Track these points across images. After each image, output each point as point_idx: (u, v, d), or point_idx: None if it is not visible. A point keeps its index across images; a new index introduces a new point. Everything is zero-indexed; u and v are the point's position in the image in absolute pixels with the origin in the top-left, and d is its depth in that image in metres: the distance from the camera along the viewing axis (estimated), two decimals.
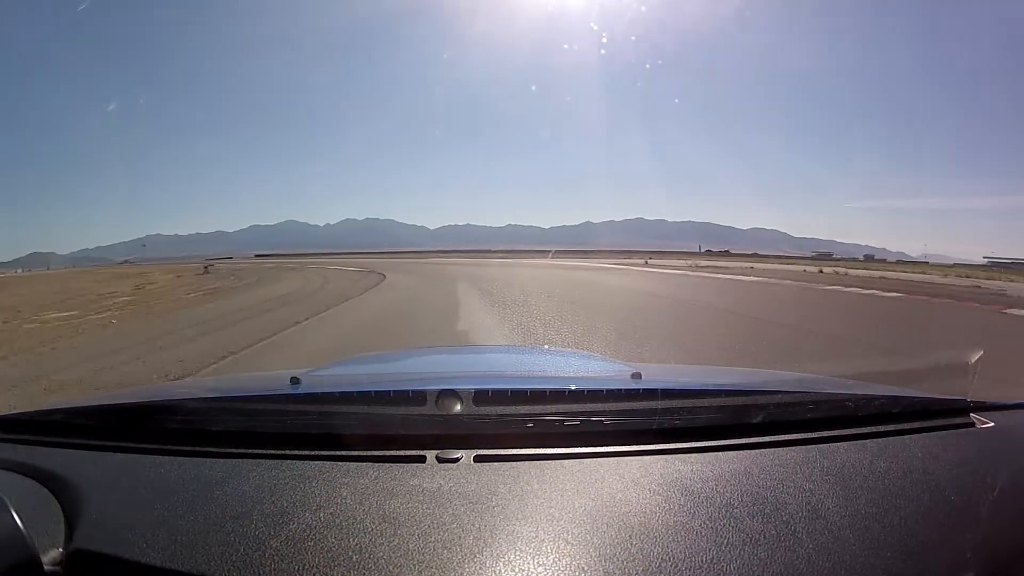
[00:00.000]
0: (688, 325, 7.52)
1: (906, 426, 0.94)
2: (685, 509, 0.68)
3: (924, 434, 0.92)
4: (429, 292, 13.49)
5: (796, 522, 0.65)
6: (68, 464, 0.82)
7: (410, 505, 0.69)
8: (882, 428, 0.92)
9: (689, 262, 36.30)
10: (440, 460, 0.80)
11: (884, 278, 19.57)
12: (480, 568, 0.58)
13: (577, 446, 0.84)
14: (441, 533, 0.63)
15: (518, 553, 0.60)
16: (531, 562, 0.59)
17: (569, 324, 7.16)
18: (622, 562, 0.59)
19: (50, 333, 8.61)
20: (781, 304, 10.79)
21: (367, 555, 0.60)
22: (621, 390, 1.05)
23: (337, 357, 2.33)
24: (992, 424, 0.96)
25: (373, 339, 6.89)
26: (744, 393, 1.05)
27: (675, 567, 0.58)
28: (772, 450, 0.84)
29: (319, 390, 1.11)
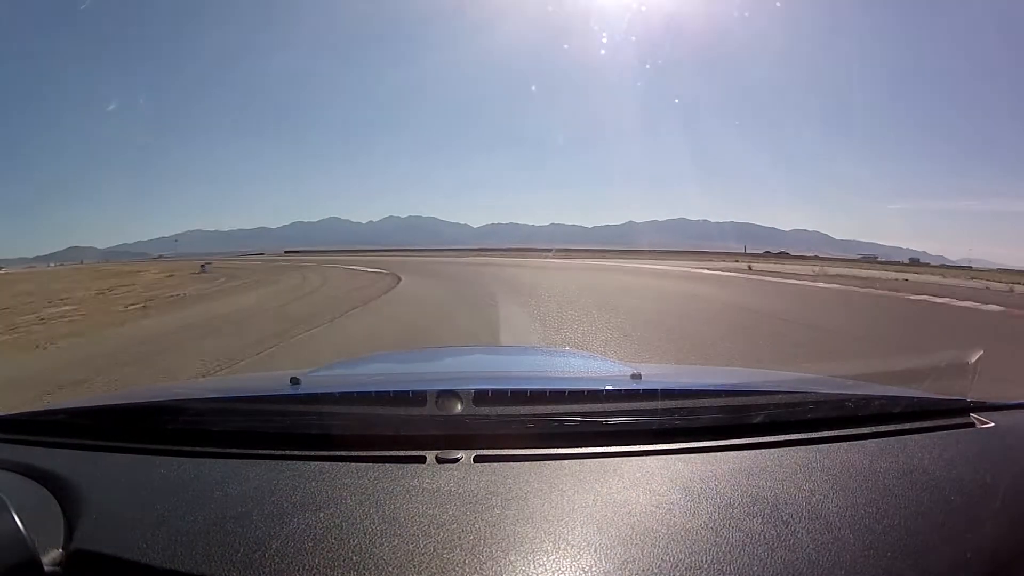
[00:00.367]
0: None
1: (906, 426, 0.94)
2: (685, 509, 0.68)
3: (924, 434, 0.92)
4: (448, 313, 9.41)
5: (796, 522, 0.65)
6: (68, 464, 0.82)
7: (410, 505, 0.69)
8: (882, 428, 0.92)
9: (778, 266, 32.43)
10: (440, 460, 0.80)
11: (989, 288, 16.17)
12: (480, 568, 0.58)
13: (577, 446, 0.84)
14: (441, 533, 0.63)
15: (518, 553, 0.60)
16: (531, 562, 0.59)
17: None
18: (622, 562, 0.59)
19: None
20: None
21: (367, 555, 0.60)
22: (621, 390, 1.05)
23: None
24: (992, 424, 0.96)
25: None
26: (744, 393, 1.05)
27: (675, 567, 0.58)
28: (772, 450, 0.84)
29: (319, 390, 1.12)
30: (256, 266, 37.89)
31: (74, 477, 0.77)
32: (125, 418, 1.02)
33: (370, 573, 0.57)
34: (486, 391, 0.94)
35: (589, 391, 1.02)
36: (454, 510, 0.67)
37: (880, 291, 14.30)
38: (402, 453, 0.83)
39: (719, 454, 0.82)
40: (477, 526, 0.64)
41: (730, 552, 0.60)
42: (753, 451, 0.83)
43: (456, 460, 0.80)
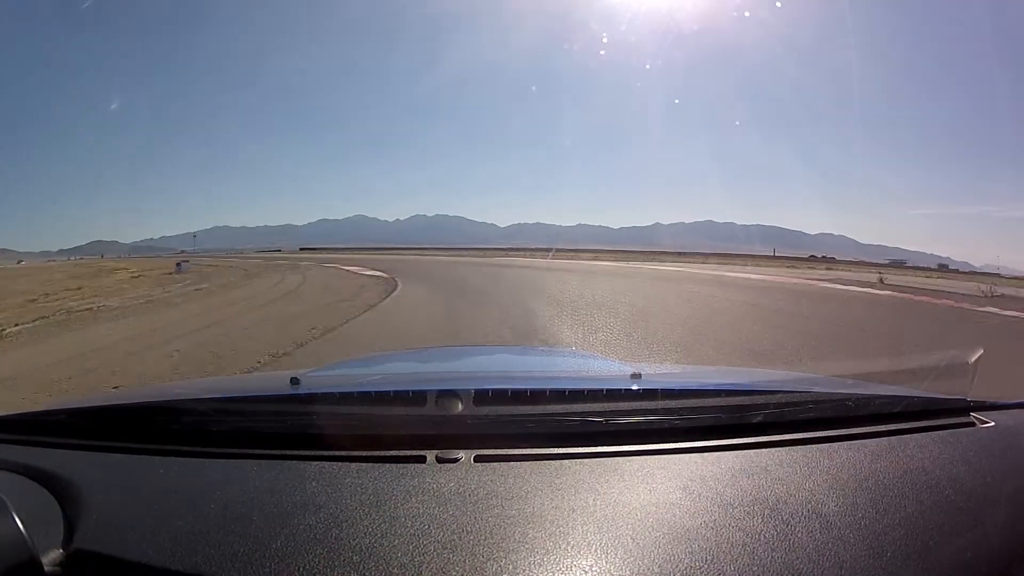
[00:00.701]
0: None
1: (906, 426, 0.94)
2: (685, 509, 0.68)
3: (924, 434, 0.92)
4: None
5: (796, 522, 0.65)
6: (68, 464, 0.82)
7: (410, 505, 0.69)
8: (882, 428, 0.92)
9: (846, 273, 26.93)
10: (440, 460, 0.80)
11: None
12: (480, 568, 0.58)
13: (577, 446, 0.84)
14: (441, 533, 0.63)
15: (518, 553, 0.60)
16: (532, 562, 0.59)
17: None
18: (623, 562, 0.59)
19: None
20: None
21: (368, 555, 0.60)
22: (621, 390, 1.05)
23: None
24: (992, 424, 0.96)
25: None
26: (744, 393, 1.05)
27: (675, 567, 0.58)
28: (772, 450, 0.84)
29: (319, 390, 1.12)
30: (244, 265, 34.12)
31: (74, 477, 0.77)
32: (125, 418, 1.02)
33: (370, 573, 0.57)
34: (486, 391, 0.94)
35: (589, 391, 1.02)
36: (454, 510, 0.67)
37: None
38: (402, 453, 0.83)
39: (719, 454, 0.82)
40: (477, 526, 0.64)
41: (730, 552, 0.60)
42: (753, 451, 0.83)
43: (456, 460, 0.80)
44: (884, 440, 0.88)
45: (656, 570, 0.58)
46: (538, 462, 0.80)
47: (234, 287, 16.87)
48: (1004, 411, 1.02)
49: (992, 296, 14.04)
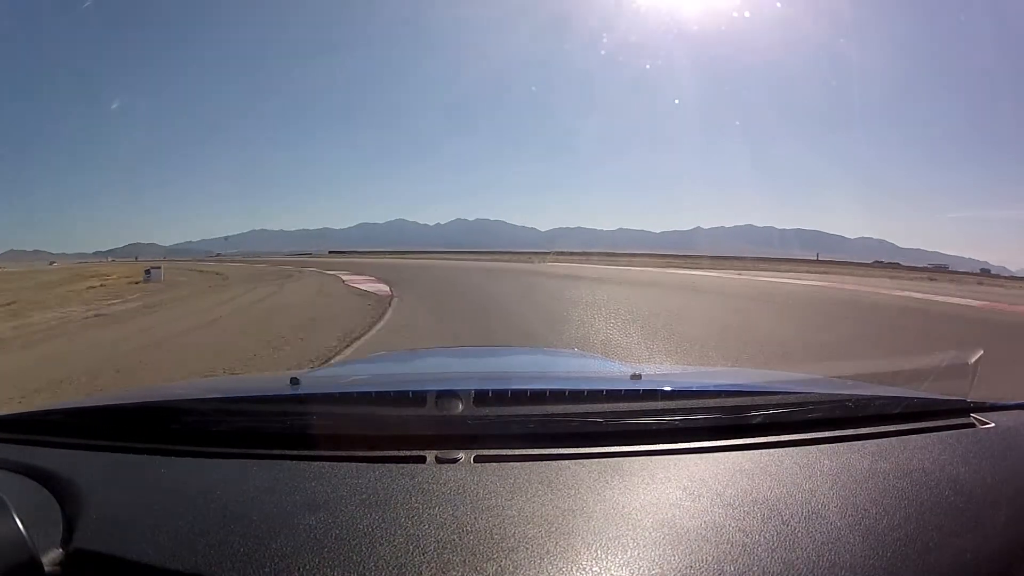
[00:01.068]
0: None
1: (906, 427, 0.94)
2: (685, 509, 0.68)
3: (924, 435, 0.92)
4: None
5: (796, 522, 0.65)
6: (68, 464, 0.82)
7: (410, 505, 0.69)
8: (882, 429, 0.92)
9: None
10: (440, 460, 0.80)
11: None
12: (480, 568, 0.58)
13: (577, 447, 0.84)
14: (441, 533, 0.63)
15: (518, 553, 0.60)
16: (531, 562, 0.59)
17: None
18: (622, 562, 0.59)
19: None
20: None
21: (368, 555, 0.60)
22: (621, 391, 1.05)
23: None
24: (992, 424, 0.96)
25: None
26: (744, 393, 1.05)
27: (675, 567, 0.58)
28: (772, 450, 0.84)
29: (319, 391, 1.12)
30: (238, 271, 30.85)
31: (74, 477, 0.77)
32: (125, 418, 1.02)
33: (370, 573, 0.57)
34: (486, 391, 0.94)
35: (589, 391, 1.02)
36: (454, 510, 0.67)
37: None
38: (402, 453, 0.83)
39: (719, 454, 0.82)
40: (477, 526, 0.64)
41: (730, 552, 0.60)
42: (753, 451, 0.83)
43: (456, 460, 0.80)
44: (884, 441, 0.88)
45: (656, 570, 0.58)
46: (538, 462, 0.80)
47: (181, 303, 13.60)
48: (1004, 412, 1.02)
49: None
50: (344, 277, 19.75)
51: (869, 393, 1.13)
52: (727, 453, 0.83)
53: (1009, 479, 0.79)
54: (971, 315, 10.30)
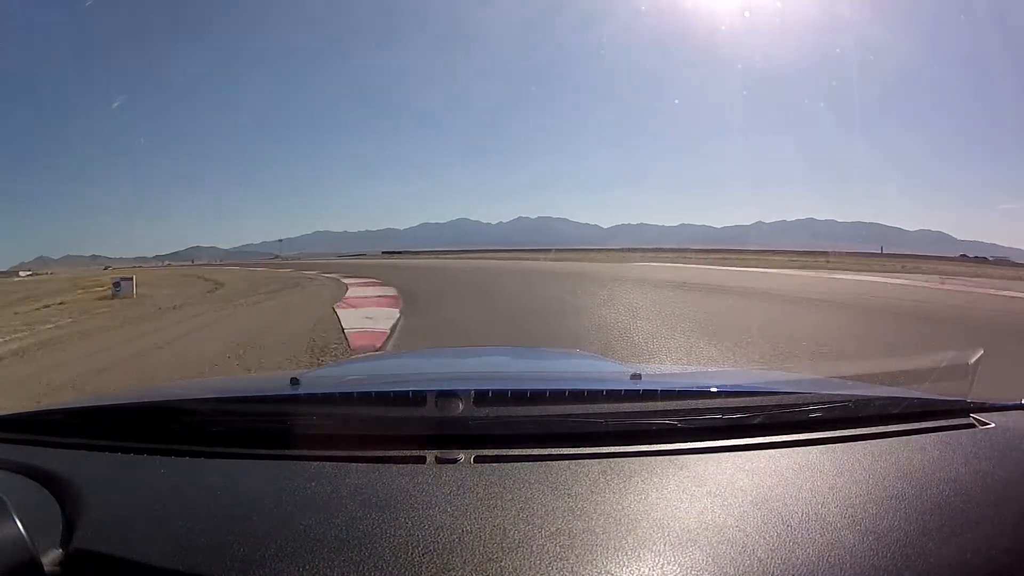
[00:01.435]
0: None
1: (906, 427, 0.94)
2: (685, 510, 0.68)
3: (924, 435, 0.92)
4: None
5: (796, 522, 0.65)
6: (68, 464, 0.82)
7: (410, 505, 0.69)
8: (882, 429, 0.92)
9: None
10: (440, 461, 0.80)
11: None
12: (480, 568, 0.58)
13: (577, 447, 0.84)
14: (441, 533, 0.63)
15: (518, 553, 0.60)
16: (531, 563, 0.59)
17: None
18: (622, 563, 0.59)
19: None
20: None
21: (367, 556, 0.60)
22: (621, 391, 1.05)
23: None
24: (992, 424, 0.96)
25: None
26: (744, 394, 1.04)
27: (675, 567, 0.58)
28: (772, 451, 0.84)
29: (319, 391, 1.12)
30: (241, 282, 23.44)
31: (74, 477, 0.77)
32: (125, 418, 1.02)
33: (370, 573, 0.57)
34: (486, 391, 0.94)
35: (589, 391, 1.02)
36: (454, 511, 0.67)
37: None
38: (402, 453, 0.83)
39: (719, 454, 0.82)
40: (477, 526, 0.64)
41: (730, 552, 0.60)
42: (753, 452, 0.83)
43: (456, 460, 0.80)
44: (884, 441, 0.88)
45: (656, 570, 0.58)
46: (538, 463, 0.80)
47: (102, 334, 8.85)
48: (1004, 412, 1.01)
49: None
50: (354, 292, 13.92)
51: (869, 393, 1.13)
52: (727, 453, 0.83)
53: (1009, 479, 0.79)
54: None
